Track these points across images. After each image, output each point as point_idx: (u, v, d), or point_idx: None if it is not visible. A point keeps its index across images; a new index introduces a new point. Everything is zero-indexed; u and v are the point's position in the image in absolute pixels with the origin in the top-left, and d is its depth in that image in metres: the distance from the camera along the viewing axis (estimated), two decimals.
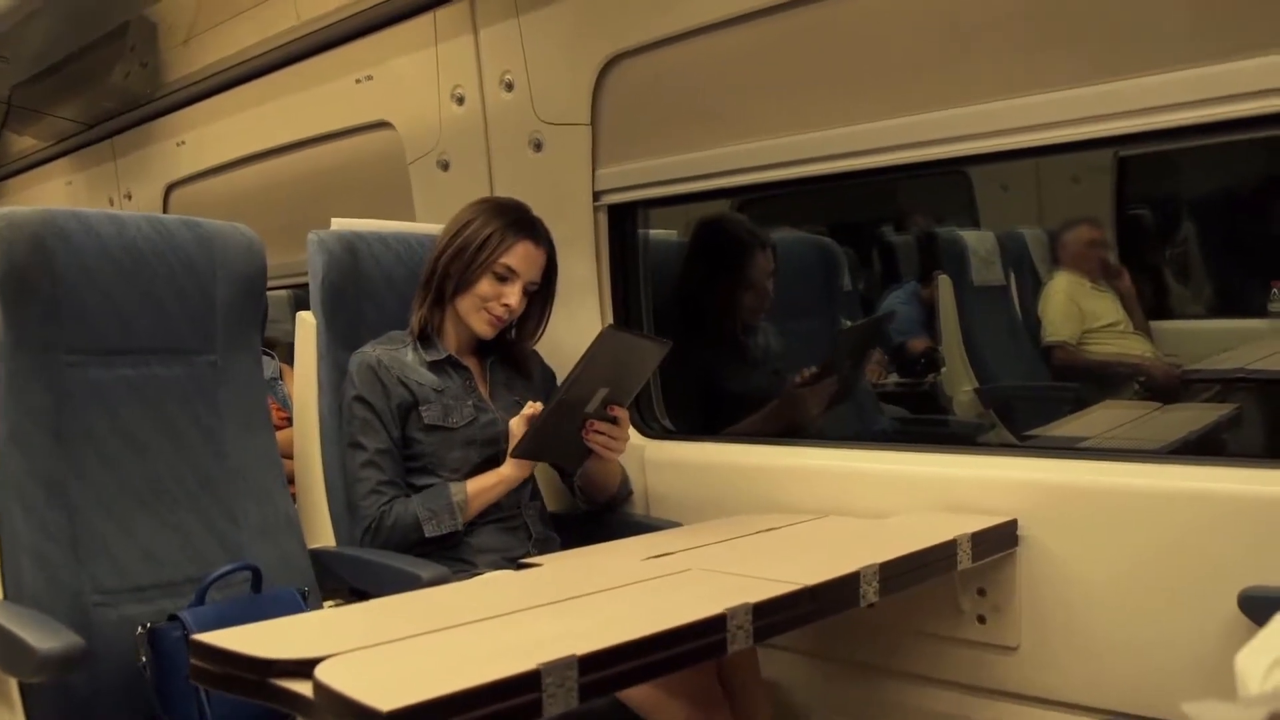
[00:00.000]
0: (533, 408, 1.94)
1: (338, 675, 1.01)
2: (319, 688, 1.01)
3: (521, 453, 1.93)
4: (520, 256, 2.02)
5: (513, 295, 2.02)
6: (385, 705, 0.93)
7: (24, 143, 4.29)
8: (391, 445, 1.99)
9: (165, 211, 3.66)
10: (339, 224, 2.17)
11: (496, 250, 2.01)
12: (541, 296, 2.12)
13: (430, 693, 0.96)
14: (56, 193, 4.27)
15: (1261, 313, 3.16)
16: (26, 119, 3.98)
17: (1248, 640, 0.96)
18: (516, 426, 1.95)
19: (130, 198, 3.87)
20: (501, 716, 1.00)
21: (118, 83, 3.49)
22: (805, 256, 3.00)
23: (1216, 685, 1.28)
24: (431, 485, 1.98)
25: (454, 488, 1.95)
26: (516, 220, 2.04)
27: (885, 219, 3.73)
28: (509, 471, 1.96)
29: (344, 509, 2.02)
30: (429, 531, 1.92)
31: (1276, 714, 0.60)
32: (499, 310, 2.03)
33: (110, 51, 3.35)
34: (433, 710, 0.95)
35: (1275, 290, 3.14)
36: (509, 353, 2.15)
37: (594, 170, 2.33)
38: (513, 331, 2.14)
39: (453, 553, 1.95)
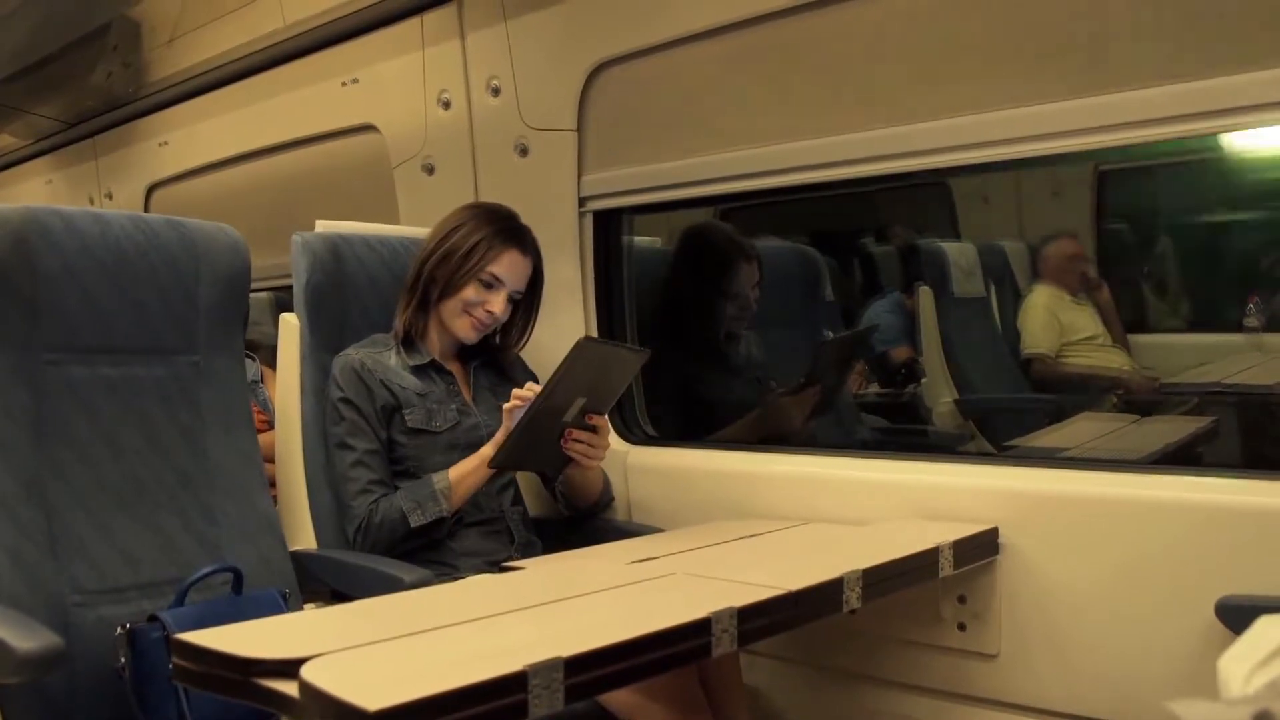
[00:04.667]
0: (520, 396, 1.87)
1: (324, 675, 1.00)
2: (305, 687, 1.00)
3: (500, 462, 1.92)
4: (507, 265, 2.02)
5: (497, 303, 2.02)
6: (372, 705, 0.93)
7: (3, 140, 4.25)
8: (378, 445, 1.98)
9: (146, 212, 3.63)
10: (323, 226, 2.16)
11: (484, 258, 2.00)
12: (526, 305, 2.12)
13: (417, 693, 0.95)
14: (36, 191, 4.24)
15: (1238, 327, 3.20)
16: (6, 116, 3.94)
17: (1225, 648, 0.97)
18: (507, 417, 1.90)
19: (111, 197, 3.85)
20: (487, 717, 1.00)
21: (99, 82, 3.47)
22: (788, 265, 3.01)
23: (1194, 692, 1.30)
24: None
25: (436, 476, 1.94)
26: (505, 229, 2.04)
27: (867, 230, 3.75)
28: (490, 452, 1.93)
29: (326, 511, 2.01)
30: (414, 521, 1.91)
31: (1262, 713, 0.61)
32: (482, 316, 2.03)
33: (92, 51, 3.33)
34: (419, 710, 0.95)
35: (1251, 305, 3.18)
36: (493, 357, 2.14)
37: (579, 176, 2.34)
38: (496, 338, 2.14)
39: (435, 556, 1.95)
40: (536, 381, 2.16)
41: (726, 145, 2.14)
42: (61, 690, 1.58)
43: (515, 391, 1.90)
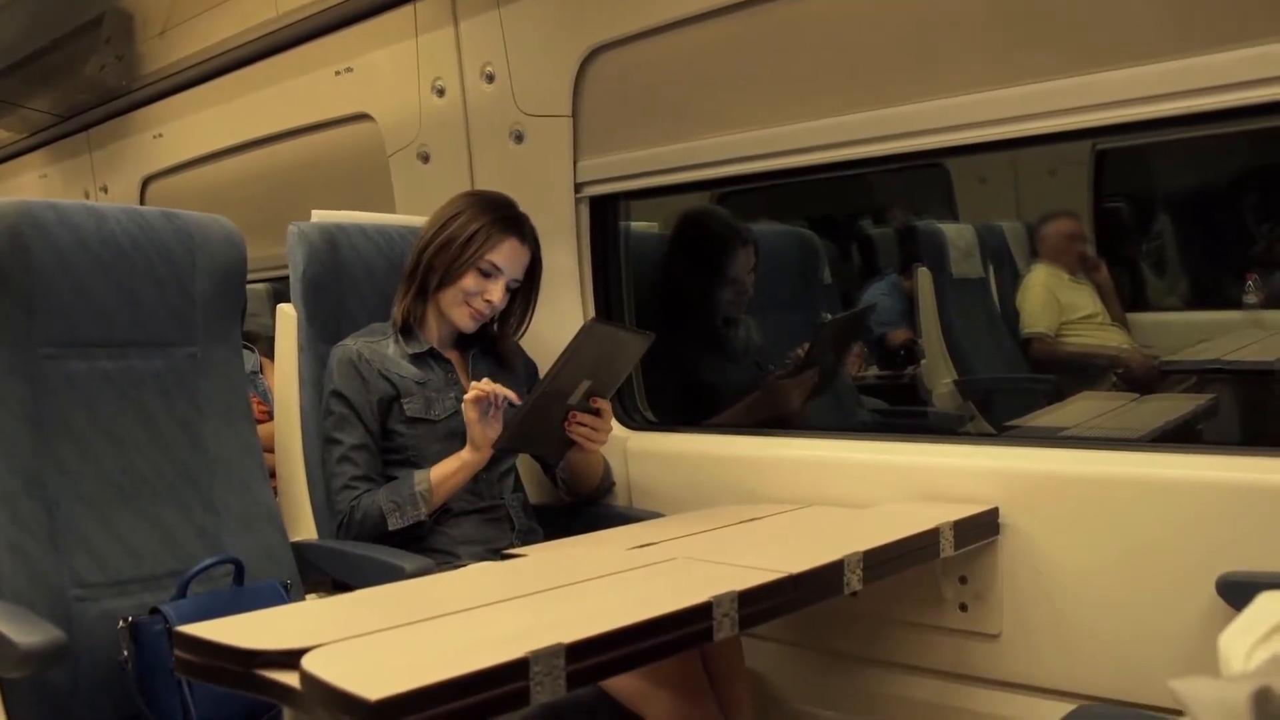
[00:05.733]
0: (478, 389, 1.87)
1: (325, 665, 1.01)
2: (306, 678, 1.00)
3: (504, 444, 1.92)
4: (506, 254, 2.02)
5: (496, 291, 2.02)
6: (373, 694, 0.93)
7: None
8: (368, 440, 1.98)
9: (142, 204, 3.63)
10: (319, 216, 2.16)
11: (483, 246, 2.00)
12: (525, 293, 2.11)
13: (418, 681, 0.95)
14: (31, 185, 4.23)
15: (1236, 305, 3.20)
16: None
17: (1225, 625, 0.97)
18: (468, 410, 1.89)
19: (106, 190, 3.84)
20: (489, 704, 1.00)
21: (93, 75, 3.46)
22: (785, 249, 3.01)
23: (1196, 669, 1.30)
24: None
25: (418, 476, 1.93)
26: (504, 217, 2.03)
27: (865, 212, 3.75)
28: (469, 455, 1.92)
29: (325, 502, 2.01)
30: (393, 524, 1.90)
31: (1260, 690, 0.61)
32: (481, 305, 2.02)
33: (85, 43, 3.31)
34: (421, 699, 0.95)
35: (1250, 283, 3.18)
36: (492, 345, 2.14)
37: (575, 162, 2.33)
38: (495, 326, 2.13)
39: (435, 544, 1.95)
40: (536, 370, 2.18)
41: (723, 129, 2.13)
42: (64, 684, 1.58)
43: (475, 385, 1.88)
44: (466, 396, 1.89)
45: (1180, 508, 1.58)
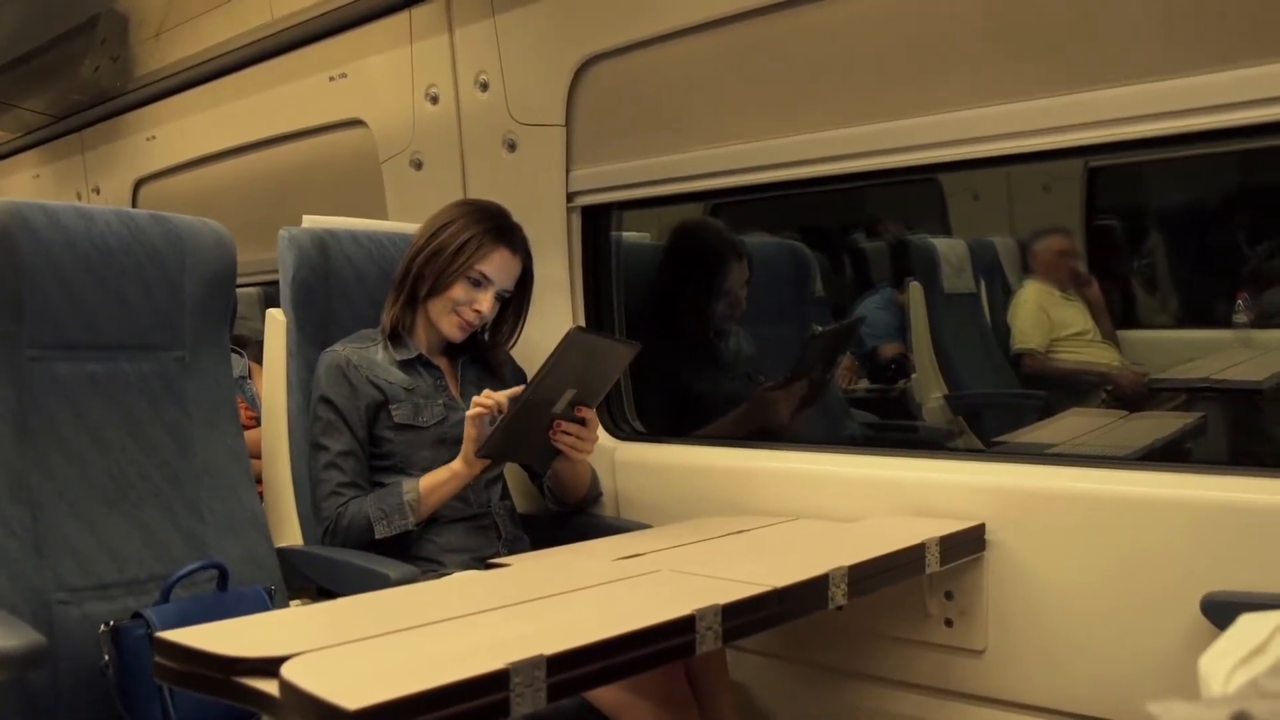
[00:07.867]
0: (480, 404, 1.87)
1: (304, 673, 1.00)
2: (285, 686, 1.00)
3: (487, 453, 1.90)
4: (496, 264, 2.01)
5: (485, 301, 2.01)
6: (352, 704, 0.92)
7: None
8: (355, 446, 1.97)
9: (134, 207, 3.62)
10: (310, 221, 2.16)
11: (473, 256, 1.99)
12: (516, 303, 2.10)
13: (397, 691, 0.95)
14: (23, 185, 4.22)
15: (1226, 324, 3.21)
16: None
17: (1210, 644, 0.97)
18: (469, 426, 1.89)
19: (99, 192, 3.83)
20: (469, 716, 1.00)
21: (87, 76, 3.45)
22: (778, 261, 3.01)
23: (1179, 689, 1.30)
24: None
25: (406, 485, 1.92)
26: (496, 227, 2.03)
27: (858, 225, 3.75)
28: (460, 467, 1.91)
29: (311, 508, 2.00)
30: (379, 532, 1.89)
31: (1239, 713, 0.60)
32: (469, 315, 2.01)
33: (80, 44, 3.31)
34: (400, 709, 0.95)
35: (1240, 302, 3.19)
36: (481, 353, 2.14)
37: (568, 172, 2.33)
38: (485, 335, 2.13)
39: (421, 552, 1.94)
40: (525, 378, 2.17)
41: (716, 140, 2.14)
42: (45, 688, 1.57)
43: (476, 399, 1.87)
44: (469, 412, 1.87)
45: (1167, 526, 1.58)
